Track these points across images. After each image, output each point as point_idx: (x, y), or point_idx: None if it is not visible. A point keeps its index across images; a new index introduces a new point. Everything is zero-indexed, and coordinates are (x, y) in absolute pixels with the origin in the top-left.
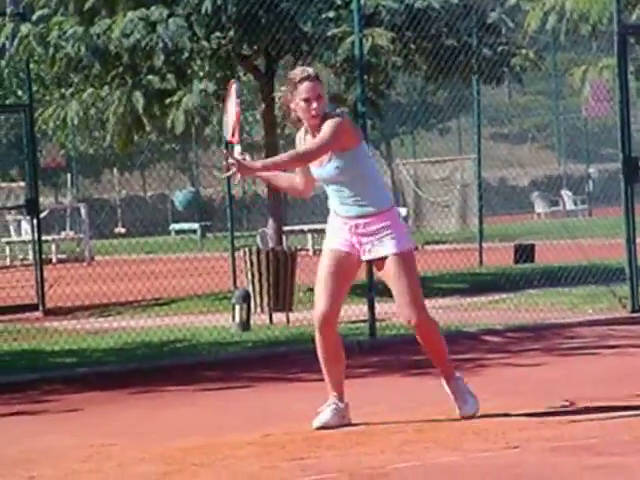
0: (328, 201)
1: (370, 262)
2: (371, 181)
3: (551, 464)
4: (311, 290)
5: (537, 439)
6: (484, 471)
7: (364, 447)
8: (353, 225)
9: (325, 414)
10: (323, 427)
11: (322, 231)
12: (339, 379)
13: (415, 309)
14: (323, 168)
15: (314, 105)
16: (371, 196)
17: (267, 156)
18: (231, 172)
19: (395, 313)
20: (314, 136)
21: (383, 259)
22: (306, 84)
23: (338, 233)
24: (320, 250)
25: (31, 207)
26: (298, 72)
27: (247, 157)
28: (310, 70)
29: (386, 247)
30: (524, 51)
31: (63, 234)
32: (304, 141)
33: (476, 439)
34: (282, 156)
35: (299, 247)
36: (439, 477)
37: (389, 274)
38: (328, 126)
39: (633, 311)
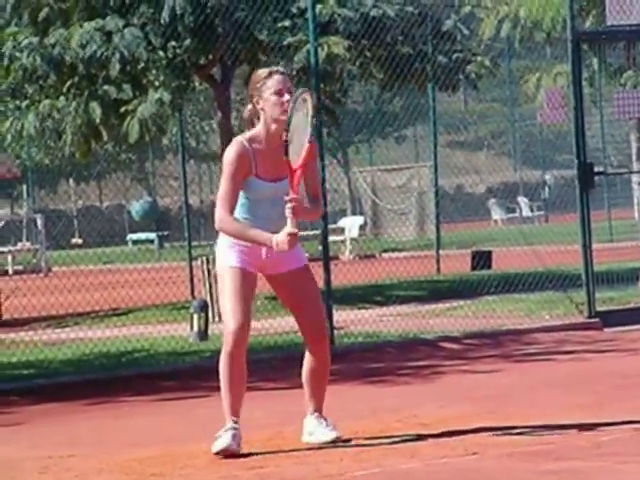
0: (237, 211)
1: (271, 277)
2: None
3: (509, 470)
4: (270, 299)
5: (495, 445)
6: (442, 477)
7: (323, 455)
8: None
9: (225, 439)
10: (223, 452)
11: None
12: (239, 403)
13: (325, 329)
14: (281, 182)
15: (286, 97)
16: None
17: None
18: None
19: (348, 321)
20: (274, 140)
21: (295, 271)
22: (277, 77)
23: (244, 252)
24: None
25: None
26: (265, 69)
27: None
28: (279, 66)
29: (299, 259)
30: (479, 58)
31: (19, 245)
32: (266, 145)
33: (434, 446)
34: (318, 206)
35: None
36: None
37: (298, 287)
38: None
39: (589, 317)
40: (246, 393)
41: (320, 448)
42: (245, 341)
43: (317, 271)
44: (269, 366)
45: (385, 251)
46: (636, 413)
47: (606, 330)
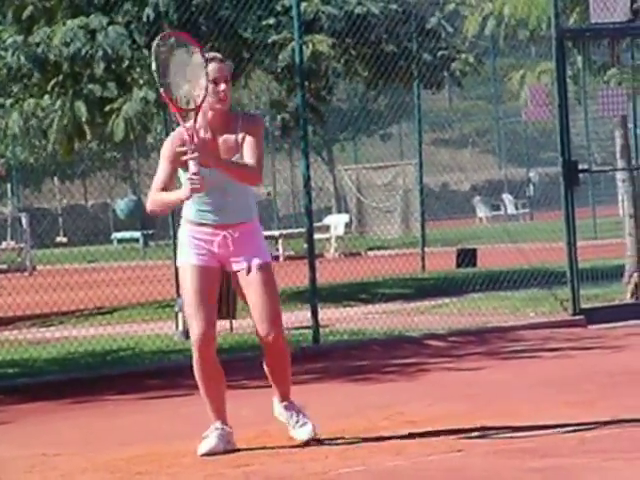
0: (185, 210)
1: (233, 273)
2: (250, 187)
3: (494, 467)
4: None
5: (481, 443)
6: (428, 475)
7: (308, 453)
8: (225, 234)
9: (210, 440)
10: (208, 454)
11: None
12: (221, 403)
13: (277, 323)
14: (211, 170)
15: (222, 87)
16: (249, 203)
17: None
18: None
19: (333, 319)
20: (212, 128)
21: (249, 269)
22: (213, 65)
23: (201, 246)
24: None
25: None
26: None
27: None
28: (217, 53)
29: (256, 257)
30: (464, 56)
31: (4, 244)
32: (204, 132)
33: (420, 443)
34: (247, 166)
35: None
36: None
37: (254, 284)
38: (261, 138)
39: (574, 314)
40: (233, 391)
41: (305, 446)
42: (212, 343)
43: (302, 269)
44: (253, 364)
45: (370, 249)
46: (621, 410)
47: (591, 327)
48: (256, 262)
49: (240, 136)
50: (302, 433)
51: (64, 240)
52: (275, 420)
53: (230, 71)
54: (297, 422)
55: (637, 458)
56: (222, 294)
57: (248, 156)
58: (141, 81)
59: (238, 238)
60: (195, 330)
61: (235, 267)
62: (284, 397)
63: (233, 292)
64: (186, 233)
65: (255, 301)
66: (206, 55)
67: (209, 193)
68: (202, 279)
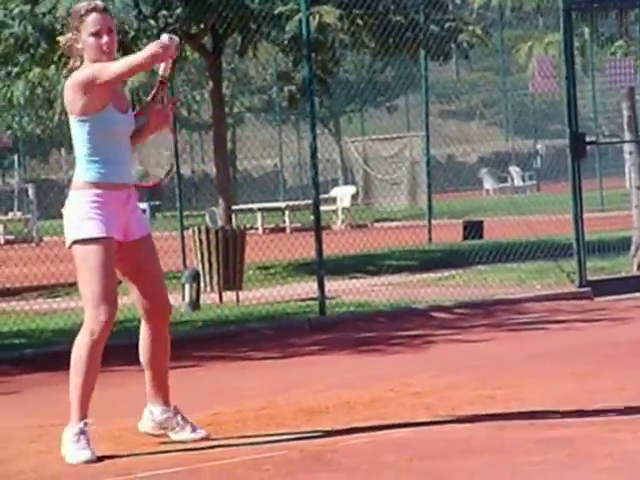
0: (89, 165)
1: (122, 244)
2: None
3: (500, 438)
4: (261, 268)
5: (487, 414)
6: (434, 446)
7: (314, 424)
8: (126, 196)
9: (84, 451)
10: (88, 462)
11: (272, 210)
12: (90, 396)
13: (169, 301)
14: (127, 115)
15: (105, 39)
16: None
17: (216, 135)
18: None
19: (339, 291)
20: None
21: (142, 240)
22: (94, 15)
23: (109, 214)
24: (269, 229)
25: None
26: (84, 4)
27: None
28: (98, 2)
29: (145, 226)
30: (471, 27)
31: (11, 215)
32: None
33: (426, 415)
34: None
35: (248, 226)
36: (389, 452)
37: (147, 256)
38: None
39: (580, 286)
40: (239, 362)
41: (310, 419)
42: (111, 327)
43: (309, 241)
44: (260, 336)
45: (377, 221)
46: (627, 382)
47: (597, 299)
48: (146, 237)
49: None
50: (198, 433)
51: None
52: (282, 391)
53: (113, 20)
54: (192, 427)
55: None
56: (228, 265)
57: None
58: None
59: (134, 203)
60: (101, 313)
61: (133, 237)
62: (167, 399)
63: (240, 263)
64: (91, 197)
65: (150, 276)
66: (86, 5)
67: (118, 141)
68: (108, 253)
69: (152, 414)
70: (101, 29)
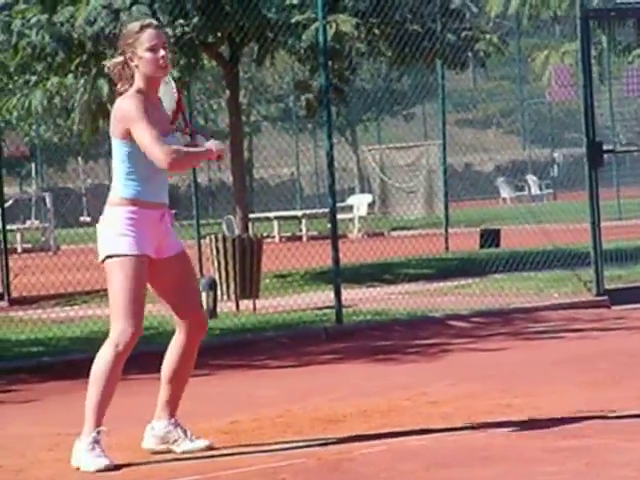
0: (127, 182)
1: (160, 262)
2: None
3: (517, 447)
4: (278, 277)
5: (503, 423)
6: (451, 455)
7: (331, 432)
8: (161, 215)
9: (100, 458)
10: (105, 469)
11: (288, 218)
12: (107, 405)
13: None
14: (168, 138)
15: (162, 53)
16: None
17: (233, 144)
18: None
19: (356, 299)
20: (157, 98)
21: (178, 256)
22: (150, 31)
23: (143, 232)
24: (286, 238)
25: None
26: (138, 23)
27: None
28: (152, 20)
29: (178, 242)
30: (488, 36)
31: (28, 223)
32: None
33: (442, 423)
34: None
35: (265, 234)
36: (406, 461)
37: (184, 272)
38: None
39: (598, 295)
40: (256, 371)
41: (326, 427)
42: (134, 344)
43: (326, 249)
44: (277, 344)
45: (394, 229)
46: None
47: (614, 308)
48: (180, 247)
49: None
50: (201, 442)
51: (88, 220)
52: (298, 400)
53: (166, 36)
54: (192, 437)
55: None
56: (245, 273)
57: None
58: None
59: (169, 220)
60: (128, 328)
61: (167, 254)
62: (174, 412)
63: (257, 272)
64: (131, 215)
65: (186, 290)
66: (141, 23)
67: (152, 166)
68: (144, 272)
69: (153, 429)
70: (157, 44)
